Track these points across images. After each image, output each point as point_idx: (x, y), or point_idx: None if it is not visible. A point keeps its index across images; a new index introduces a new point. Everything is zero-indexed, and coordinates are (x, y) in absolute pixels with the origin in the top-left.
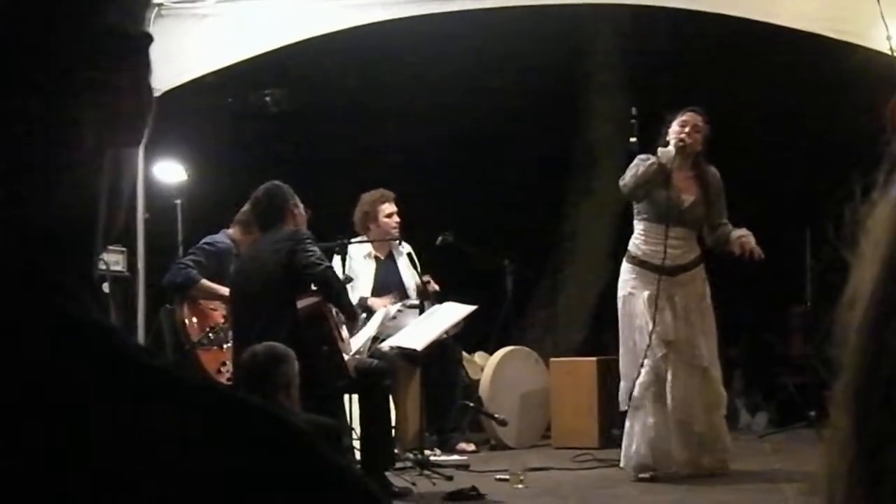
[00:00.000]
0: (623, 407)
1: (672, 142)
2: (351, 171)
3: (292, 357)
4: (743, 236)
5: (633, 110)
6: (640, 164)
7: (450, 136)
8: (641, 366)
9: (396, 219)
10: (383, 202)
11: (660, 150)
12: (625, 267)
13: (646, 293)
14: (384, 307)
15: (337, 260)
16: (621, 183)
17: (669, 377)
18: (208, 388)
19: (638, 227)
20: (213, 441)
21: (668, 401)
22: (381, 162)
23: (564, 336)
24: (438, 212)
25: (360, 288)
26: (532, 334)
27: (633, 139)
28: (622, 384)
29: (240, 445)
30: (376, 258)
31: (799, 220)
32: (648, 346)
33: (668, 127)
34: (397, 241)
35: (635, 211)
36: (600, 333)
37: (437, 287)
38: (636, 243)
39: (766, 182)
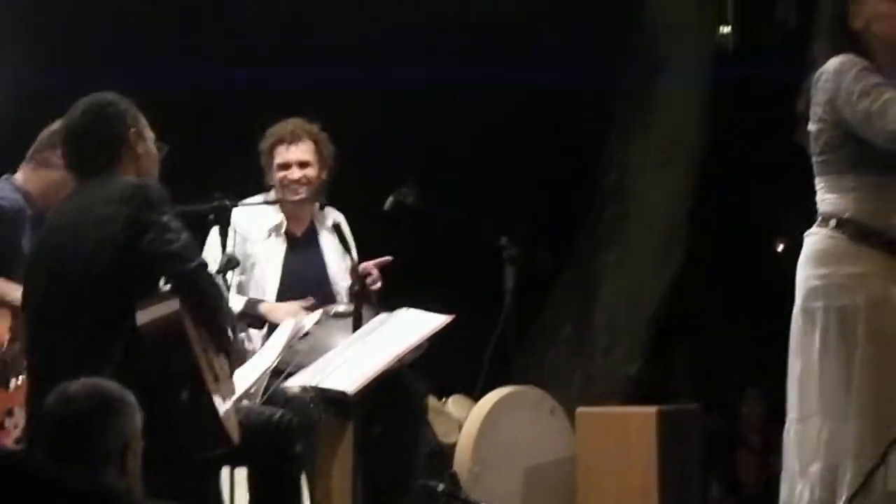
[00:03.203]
0: None
1: None
2: (254, 82)
3: (131, 404)
4: None
5: None
6: None
7: (417, 37)
8: (888, 450)
9: (294, 174)
10: (281, 142)
11: None
12: (836, 246)
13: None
14: (292, 319)
15: (214, 236)
16: (880, 125)
17: None
18: None
19: (852, 181)
20: None
21: None
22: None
23: (604, 368)
24: (392, 159)
25: (258, 283)
26: (547, 365)
27: (725, 28)
28: (817, 470)
29: None
30: (288, 235)
31: None
32: None
33: None
34: (318, 208)
35: (837, 154)
36: (667, 364)
37: (380, 282)
38: (864, 208)
39: None
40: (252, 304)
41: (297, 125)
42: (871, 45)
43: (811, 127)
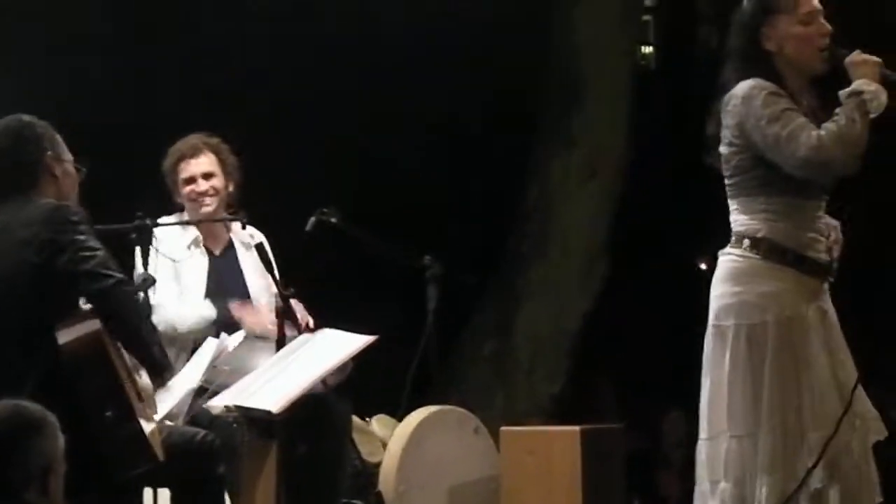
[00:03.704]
0: None
1: (860, 58)
2: (169, 100)
3: (53, 425)
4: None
5: None
6: (852, 109)
7: (334, 55)
8: (817, 462)
9: (201, 186)
10: (182, 158)
11: (864, 81)
12: (750, 265)
13: (811, 312)
14: (214, 338)
15: (138, 256)
16: (816, 150)
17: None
18: None
19: (763, 203)
20: None
21: None
22: (217, 93)
23: (527, 388)
24: (314, 179)
25: (184, 294)
26: (470, 385)
27: (646, 49)
28: (726, 487)
29: None
30: (208, 251)
31: None
32: (842, 416)
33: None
34: (241, 226)
35: (748, 177)
36: (590, 382)
37: (303, 309)
38: (777, 228)
39: None
40: (225, 310)
41: (197, 139)
42: (783, 67)
43: (722, 149)
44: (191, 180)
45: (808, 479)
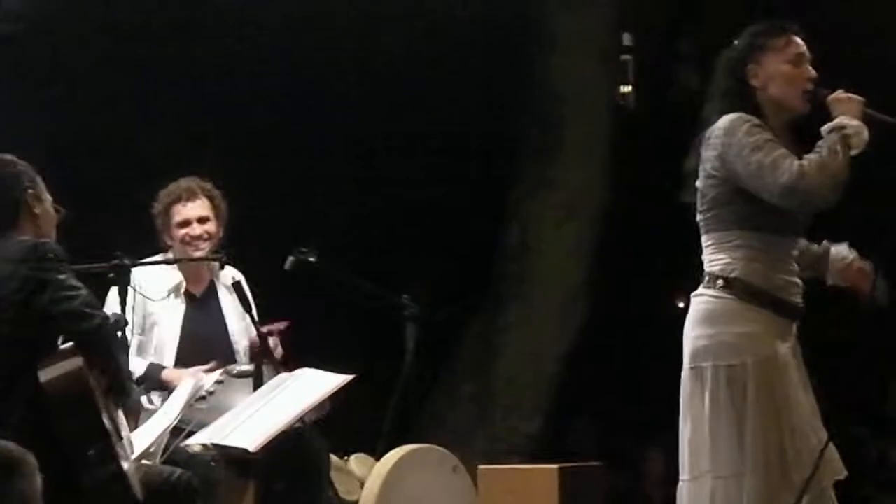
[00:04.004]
0: None
1: (841, 98)
2: (148, 145)
3: (31, 465)
4: (856, 261)
5: (627, 38)
6: (835, 142)
7: (312, 97)
8: (800, 499)
9: (196, 230)
10: (177, 201)
11: (844, 117)
12: (725, 306)
13: (785, 351)
14: (191, 378)
15: (114, 296)
16: (799, 178)
17: None
18: None
19: (738, 239)
20: None
21: None
22: (195, 136)
23: (505, 426)
24: (292, 219)
25: (158, 344)
26: (449, 424)
27: (626, 87)
28: None
29: None
30: (188, 295)
31: None
32: (820, 457)
33: (753, 61)
34: (219, 267)
35: (725, 210)
36: (566, 421)
37: (280, 348)
38: (751, 267)
39: None
40: (154, 369)
41: (192, 182)
42: (765, 105)
43: (699, 184)
44: (185, 223)
45: None
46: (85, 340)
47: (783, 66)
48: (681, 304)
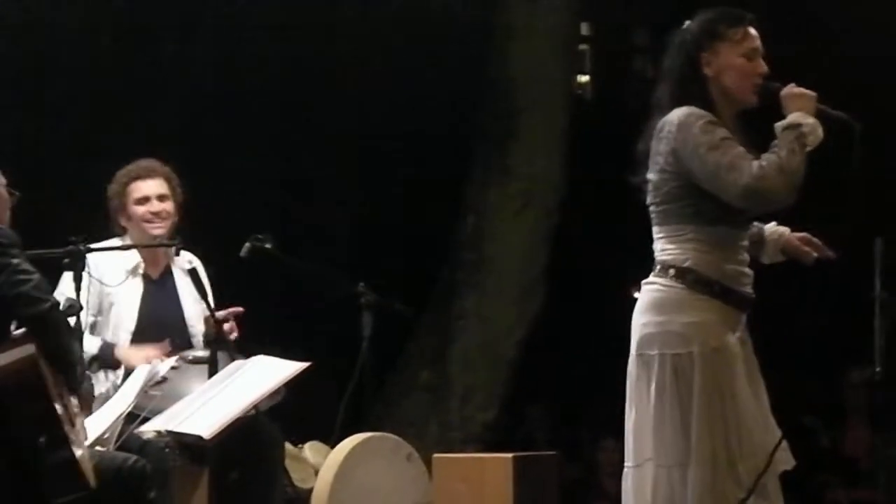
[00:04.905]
0: None
1: (793, 91)
2: (98, 128)
3: None
4: (802, 235)
5: (585, 28)
6: (791, 141)
7: (266, 84)
8: (749, 494)
9: (155, 206)
10: (136, 178)
11: (800, 114)
12: (675, 295)
13: (734, 342)
14: (147, 362)
15: (68, 281)
16: (759, 179)
17: None
18: None
19: (692, 233)
20: None
21: None
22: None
23: (460, 415)
24: (248, 205)
25: (114, 324)
26: (404, 412)
27: (583, 77)
28: None
29: None
30: (145, 277)
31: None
32: (774, 450)
33: (713, 50)
34: (174, 251)
35: (679, 205)
36: (522, 410)
37: (236, 332)
38: (704, 258)
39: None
40: (107, 347)
41: (150, 162)
42: (716, 95)
43: (651, 175)
44: (144, 200)
45: None
46: (34, 324)
47: (738, 60)
48: (636, 294)
